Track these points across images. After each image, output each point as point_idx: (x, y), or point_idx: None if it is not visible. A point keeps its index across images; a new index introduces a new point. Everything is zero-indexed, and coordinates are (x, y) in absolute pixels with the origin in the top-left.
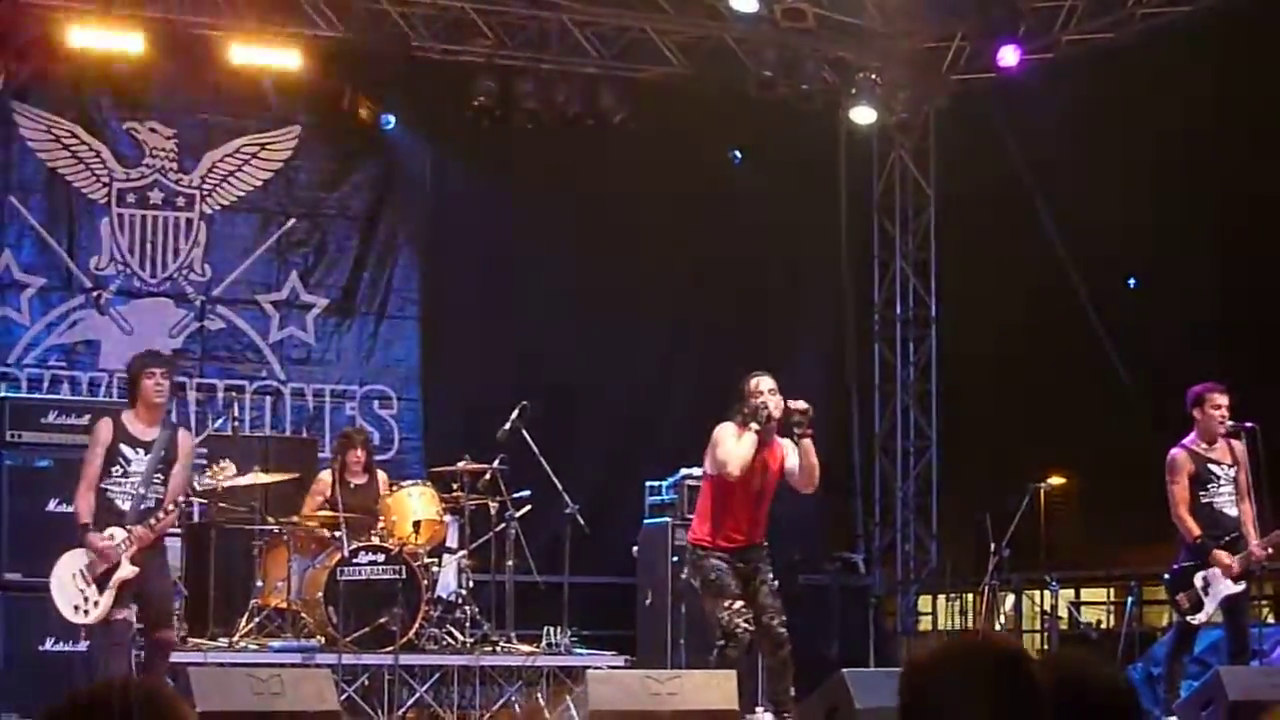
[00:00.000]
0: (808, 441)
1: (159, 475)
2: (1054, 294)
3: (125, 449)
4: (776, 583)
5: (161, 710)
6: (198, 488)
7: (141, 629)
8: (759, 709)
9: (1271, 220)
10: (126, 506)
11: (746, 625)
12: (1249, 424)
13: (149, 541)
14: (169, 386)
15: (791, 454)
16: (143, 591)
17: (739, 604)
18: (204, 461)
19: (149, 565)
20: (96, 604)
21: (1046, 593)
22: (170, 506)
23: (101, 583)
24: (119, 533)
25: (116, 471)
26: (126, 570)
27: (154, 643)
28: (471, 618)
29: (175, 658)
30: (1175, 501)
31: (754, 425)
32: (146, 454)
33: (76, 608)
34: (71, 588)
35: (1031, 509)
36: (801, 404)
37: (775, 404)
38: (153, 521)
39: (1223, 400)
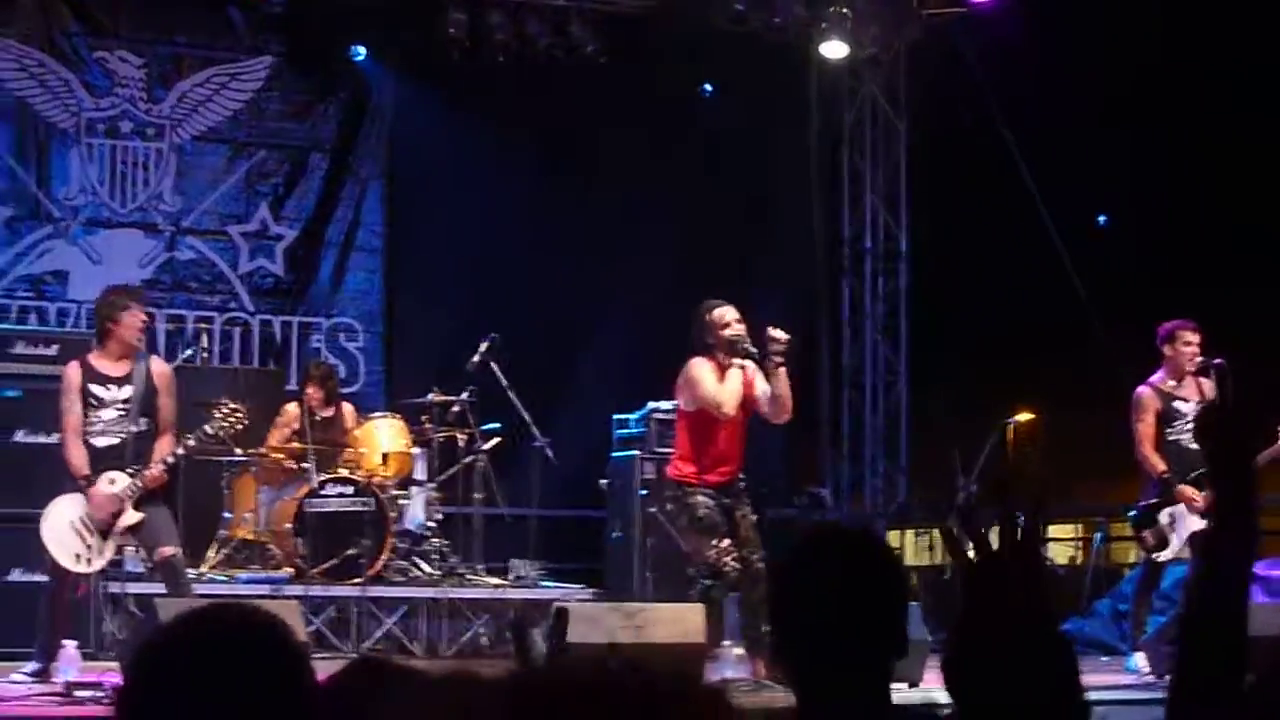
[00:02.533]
0: (783, 371)
1: (143, 411)
2: (1024, 230)
3: (95, 388)
4: (755, 517)
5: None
6: (211, 431)
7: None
8: (727, 642)
9: (1246, 158)
10: (104, 444)
11: (734, 564)
12: (1218, 361)
13: (160, 483)
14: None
15: (760, 381)
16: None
17: (726, 542)
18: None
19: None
20: (101, 552)
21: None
22: (167, 459)
23: (105, 531)
24: (121, 477)
25: (89, 412)
26: (132, 517)
27: (158, 564)
28: (439, 550)
29: (140, 588)
30: (1140, 439)
31: (736, 360)
32: (119, 389)
33: (78, 556)
34: (70, 536)
35: (1000, 445)
36: (781, 334)
37: (743, 332)
38: (162, 467)
39: (1194, 338)
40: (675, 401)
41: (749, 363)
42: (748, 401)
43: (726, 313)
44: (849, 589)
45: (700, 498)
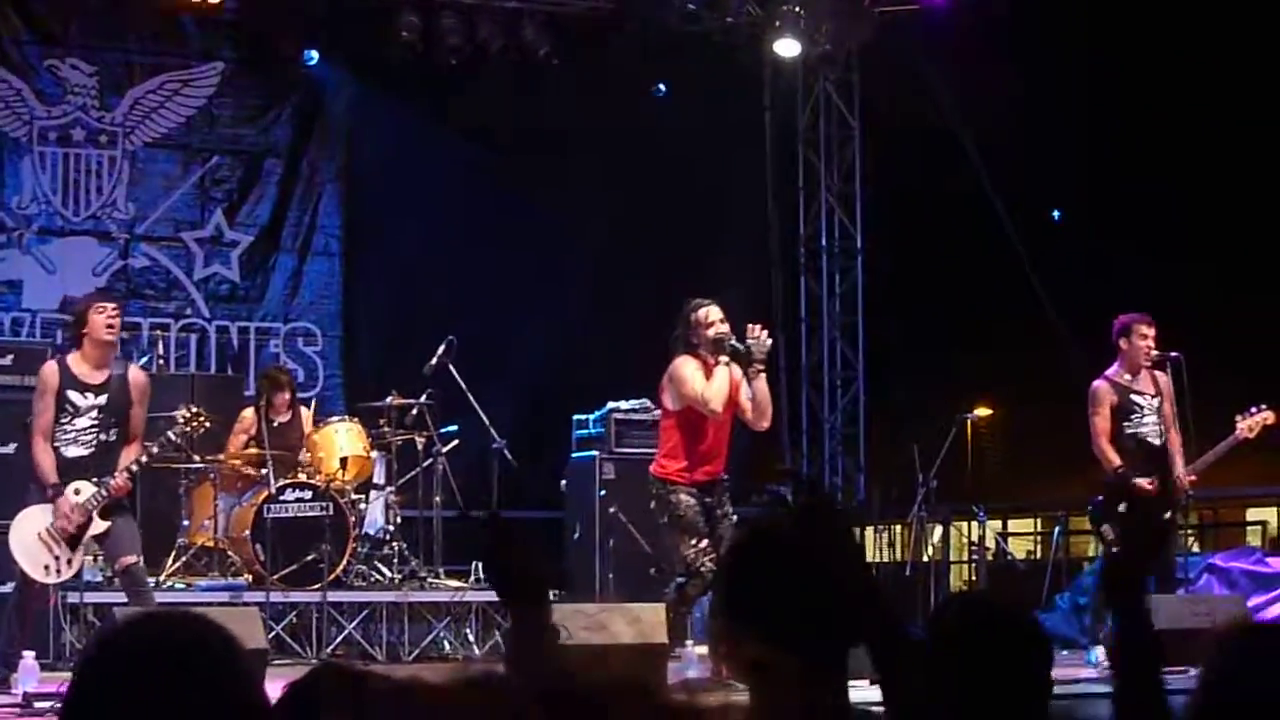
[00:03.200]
0: (763, 375)
1: (115, 419)
2: (979, 226)
3: (73, 394)
4: (735, 517)
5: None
6: (174, 438)
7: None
8: (690, 642)
9: (1199, 152)
10: (74, 454)
11: (711, 564)
12: (1174, 354)
13: (126, 492)
14: (120, 324)
15: (743, 384)
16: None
17: (705, 542)
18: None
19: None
20: (70, 562)
21: (974, 524)
22: (131, 466)
23: (73, 541)
24: (86, 487)
25: (64, 419)
26: (99, 527)
27: (119, 574)
28: (399, 554)
29: (99, 598)
30: (1096, 433)
31: (723, 359)
32: (96, 397)
33: (47, 568)
34: (37, 548)
35: (959, 441)
36: (766, 335)
37: (728, 331)
38: (126, 475)
39: (1150, 331)
40: (640, 401)
41: (734, 364)
42: (733, 402)
43: (711, 311)
44: (803, 578)
45: (683, 496)
